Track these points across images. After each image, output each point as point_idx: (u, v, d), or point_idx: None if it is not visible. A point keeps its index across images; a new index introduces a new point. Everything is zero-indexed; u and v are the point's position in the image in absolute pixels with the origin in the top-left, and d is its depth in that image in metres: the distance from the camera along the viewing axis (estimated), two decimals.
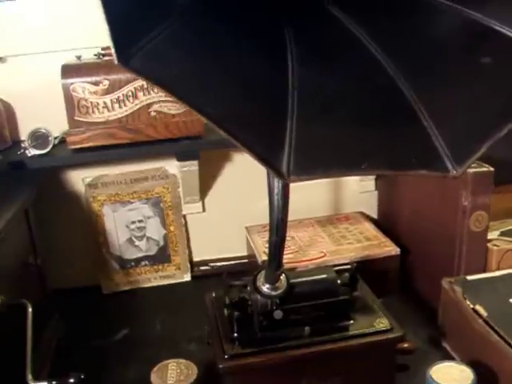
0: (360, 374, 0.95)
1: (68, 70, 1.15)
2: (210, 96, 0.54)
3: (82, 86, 1.15)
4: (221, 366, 0.90)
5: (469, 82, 0.64)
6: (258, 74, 0.59)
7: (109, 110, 1.17)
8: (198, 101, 0.52)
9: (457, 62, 0.66)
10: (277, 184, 0.79)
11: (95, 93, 1.16)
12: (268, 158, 0.55)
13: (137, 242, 1.41)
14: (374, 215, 1.52)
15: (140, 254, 1.42)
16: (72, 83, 1.15)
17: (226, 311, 0.97)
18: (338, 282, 0.98)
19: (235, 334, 0.93)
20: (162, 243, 1.42)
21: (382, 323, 0.96)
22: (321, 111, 0.61)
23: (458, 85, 0.64)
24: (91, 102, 1.16)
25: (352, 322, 0.96)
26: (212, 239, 1.46)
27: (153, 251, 1.42)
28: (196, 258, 1.47)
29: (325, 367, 0.93)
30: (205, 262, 1.47)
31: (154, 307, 1.32)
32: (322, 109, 0.61)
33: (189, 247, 1.45)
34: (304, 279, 0.97)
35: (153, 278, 1.42)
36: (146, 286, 1.42)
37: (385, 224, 1.44)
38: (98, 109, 1.17)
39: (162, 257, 1.43)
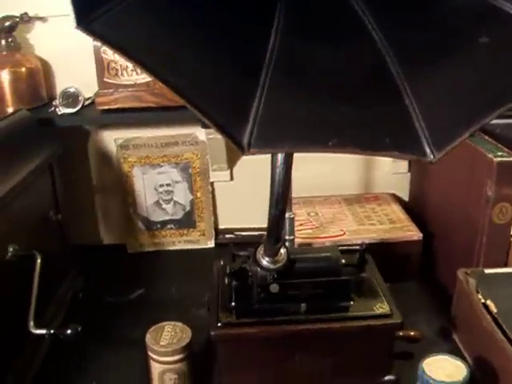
0: (354, 357, 0.93)
1: None
2: (173, 64, 0.54)
3: None
4: (212, 333, 0.91)
5: (462, 64, 0.60)
6: (232, 43, 0.58)
7: (137, 74, 1.19)
8: (158, 68, 0.52)
9: (453, 41, 0.62)
10: (279, 157, 0.78)
11: None
12: (229, 128, 0.54)
13: (164, 205, 1.43)
14: (406, 198, 1.47)
15: (166, 217, 1.44)
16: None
17: (226, 280, 0.98)
18: (342, 261, 0.96)
19: (233, 304, 0.94)
20: (188, 208, 1.44)
21: (383, 308, 0.93)
22: (295, 84, 0.59)
23: (450, 66, 0.61)
24: (120, 65, 1.18)
25: (352, 303, 0.94)
26: (238, 208, 1.46)
27: (179, 215, 1.44)
28: (221, 226, 1.48)
29: (318, 346, 0.93)
30: (230, 231, 1.48)
31: (173, 270, 1.35)
32: (296, 81, 0.59)
33: (215, 214, 1.47)
34: (305, 256, 0.96)
35: (177, 242, 1.45)
36: (170, 248, 1.45)
37: (414, 208, 1.40)
38: (126, 71, 1.19)
39: (187, 222, 1.45)
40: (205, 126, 1.28)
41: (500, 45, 0.58)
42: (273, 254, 0.92)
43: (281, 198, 0.83)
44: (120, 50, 0.50)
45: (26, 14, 1.26)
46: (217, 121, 0.53)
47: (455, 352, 0.96)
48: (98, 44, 1.17)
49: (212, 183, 1.44)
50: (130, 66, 1.18)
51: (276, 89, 0.57)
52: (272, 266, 0.92)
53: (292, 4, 0.64)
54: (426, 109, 0.59)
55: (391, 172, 1.45)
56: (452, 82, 0.59)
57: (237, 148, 0.55)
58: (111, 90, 1.19)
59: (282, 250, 0.93)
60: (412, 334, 1.04)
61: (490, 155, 1.03)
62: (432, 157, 0.58)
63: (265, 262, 0.92)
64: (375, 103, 0.60)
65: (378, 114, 0.59)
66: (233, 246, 1.06)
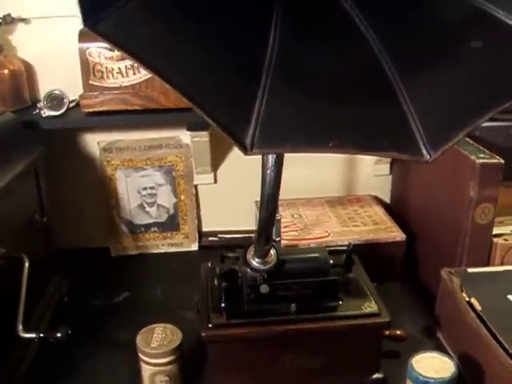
0: (344, 356, 0.95)
1: (85, 35, 1.17)
2: (178, 65, 0.54)
3: (97, 51, 1.17)
4: (203, 335, 0.91)
5: (455, 67, 0.62)
6: (233, 46, 0.59)
7: (123, 76, 1.19)
8: (163, 68, 0.52)
9: (446, 45, 0.64)
10: (270, 159, 0.79)
11: (110, 58, 1.17)
12: (232, 129, 0.55)
13: (147, 208, 1.43)
14: (388, 200, 1.50)
15: (150, 221, 1.44)
16: (88, 47, 1.17)
17: (216, 281, 0.98)
18: (330, 262, 0.98)
19: (222, 305, 0.95)
20: (172, 211, 1.44)
21: (371, 307, 0.95)
22: (295, 85, 0.60)
23: (444, 69, 0.63)
24: (106, 67, 1.18)
25: (340, 302, 0.96)
26: (222, 211, 1.47)
27: (162, 218, 1.44)
28: (205, 229, 1.49)
29: (308, 345, 0.94)
30: (213, 233, 1.48)
31: (158, 273, 1.35)
32: (297, 83, 0.60)
33: (198, 217, 1.47)
34: (294, 256, 0.97)
35: (161, 245, 1.45)
36: (154, 252, 1.45)
37: (396, 209, 1.42)
38: (112, 74, 1.18)
39: (171, 225, 1.45)
40: (190, 129, 1.28)
41: (493, 48, 0.60)
42: (263, 254, 0.93)
43: (271, 199, 0.85)
44: (130, 53, 0.51)
45: (8, 15, 1.24)
46: (220, 120, 0.54)
47: (440, 350, 0.98)
48: (84, 46, 1.17)
49: (196, 186, 1.44)
50: (116, 68, 1.18)
51: (277, 91, 0.58)
52: (262, 267, 0.93)
53: (288, 9, 0.66)
54: (421, 110, 0.60)
55: (373, 174, 1.47)
56: (446, 84, 0.61)
57: (239, 148, 0.56)
58: (96, 93, 1.19)
59: (272, 251, 0.94)
60: (398, 333, 1.05)
61: (473, 157, 1.05)
62: (428, 157, 0.59)
63: (255, 262, 0.93)
64: (373, 105, 0.61)
65: (376, 116, 0.61)
66: (220, 248, 1.07)
